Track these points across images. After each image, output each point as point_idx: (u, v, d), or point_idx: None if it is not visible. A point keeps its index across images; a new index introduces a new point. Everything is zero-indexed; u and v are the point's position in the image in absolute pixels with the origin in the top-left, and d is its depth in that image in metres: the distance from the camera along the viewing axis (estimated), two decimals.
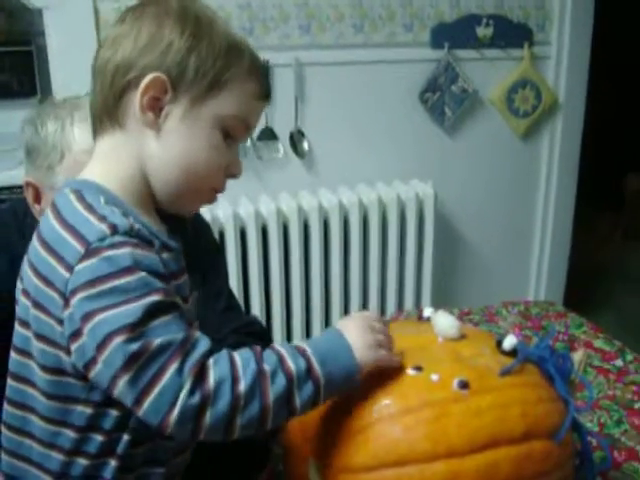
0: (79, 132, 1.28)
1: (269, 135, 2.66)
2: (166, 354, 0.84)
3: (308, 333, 2.79)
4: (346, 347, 0.94)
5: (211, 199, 1.03)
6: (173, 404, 0.83)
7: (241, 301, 2.49)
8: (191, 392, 0.84)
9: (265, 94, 1.03)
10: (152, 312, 0.85)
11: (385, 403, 0.97)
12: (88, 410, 0.93)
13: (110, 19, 2.39)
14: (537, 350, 1.10)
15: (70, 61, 2.38)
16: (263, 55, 2.50)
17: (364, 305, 2.85)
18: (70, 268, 0.87)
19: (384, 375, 0.99)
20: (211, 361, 0.86)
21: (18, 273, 1.37)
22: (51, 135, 1.29)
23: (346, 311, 2.83)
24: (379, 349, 0.96)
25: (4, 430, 1.02)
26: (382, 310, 2.88)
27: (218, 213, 2.51)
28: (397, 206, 2.75)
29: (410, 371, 0.99)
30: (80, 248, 0.87)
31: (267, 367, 0.88)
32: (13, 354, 0.99)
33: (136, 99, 0.93)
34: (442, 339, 1.07)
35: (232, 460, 1.20)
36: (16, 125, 2.70)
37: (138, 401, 0.84)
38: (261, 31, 2.61)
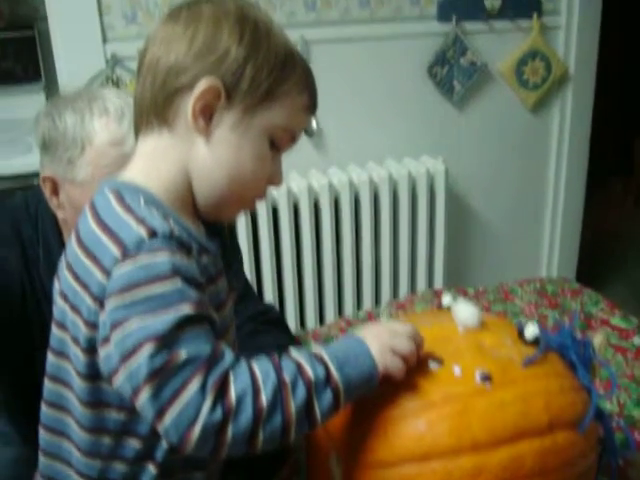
0: (100, 124, 1.26)
1: None
2: (191, 368, 0.82)
3: (321, 313, 2.79)
4: (364, 350, 0.92)
5: (251, 207, 1.02)
6: (194, 420, 0.82)
7: (253, 282, 2.49)
8: (213, 408, 0.82)
9: (314, 107, 1.01)
10: (182, 324, 0.83)
11: (408, 398, 0.96)
12: (122, 416, 0.92)
13: (113, 3, 2.36)
14: (558, 337, 1.09)
15: (73, 46, 2.36)
16: None
17: (376, 283, 2.84)
18: (107, 272, 0.86)
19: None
20: (232, 375, 0.84)
21: (31, 268, 1.38)
22: (70, 128, 1.27)
23: (359, 290, 2.83)
24: (395, 356, 0.94)
25: (42, 432, 1.02)
26: (394, 288, 2.87)
27: None
28: (408, 183, 2.72)
29: (432, 364, 0.98)
30: (117, 252, 0.86)
31: (287, 377, 0.86)
32: (50, 356, 0.99)
33: (188, 104, 0.92)
34: (463, 329, 1.06)
35: (250, 460, 1.20)
36: (21, 111, 2.73)
37: (159, 415, 0.82)
38: (267, 8, 2.56)
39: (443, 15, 2.78)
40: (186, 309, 0.84)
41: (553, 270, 3.25)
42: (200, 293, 0.87)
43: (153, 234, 0.86)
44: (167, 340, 0.82)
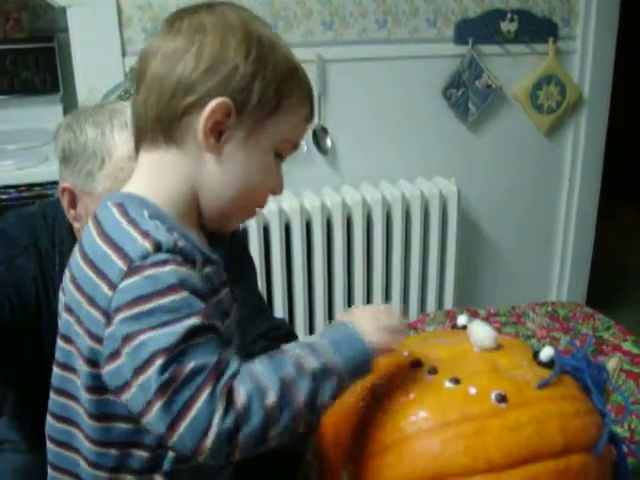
0: (120, 139, 1.27)
1: None
2: (200, 377, 0.83)
3: None
4: (354, 331, 0.94)
5: (253, 215, 1.03)
6: (207, 430, 0.82)
7: (264, 297, 2.49)
8: (224, 416, 0.82)
9: (312, 116, 1.02)
10: (190, 335, 0.84)
11: (422, 416, 0.96)
12: (129, 426, 0.92)
13: (133, 17, 2.39)
14: (573, 360, 1.08)
15: (93, 58, 2.39)
16: None
17: (386, 302, 2.84)
18: (113, 286, 0.86)
19: (420, 387, 0.98)
20: (238, 380, 0.85)
21: (47, 278, 1.38)
22: (91, 141, 1.28)
23: None
24: (386, 333, 0.97)
25: (50, 445, 1.02)
26: (404, 308, 2.86)
27: None
28: (420, 203, 2.73)
29: (447, 383, 0.98)
30: (123, 266, 0.86)
31: (290, 372, 0.87)
32: (56, 369, 0.99)
33: (199, 123, 0.91)
34: (478, 349, 1.06)
35: (264, 467, 1.20)
36: (38, 121, 2.75)
37: (172, 427, 0.82)
38: (284, 27, 2.59)
39: (459, 37, 2.80)
40: (194, 320, 0.84)
41: (563, 293, 3.25)
42: (204, 303, 0.87)
43: (158, 247, 0.86)
44: (176, 352, 0.82)
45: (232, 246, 1.53)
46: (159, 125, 0.93)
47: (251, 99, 0.92)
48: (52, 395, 1.00)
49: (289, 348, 0.91)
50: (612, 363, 1.16)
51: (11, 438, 1.58)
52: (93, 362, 0.91)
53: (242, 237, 1.64)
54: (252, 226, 2.51)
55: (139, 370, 0.83)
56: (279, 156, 0.99)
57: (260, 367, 0.87)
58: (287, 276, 2.65)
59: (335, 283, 2.72)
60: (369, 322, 0.96)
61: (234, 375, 0.85)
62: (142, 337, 0.83)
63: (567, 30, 2.95)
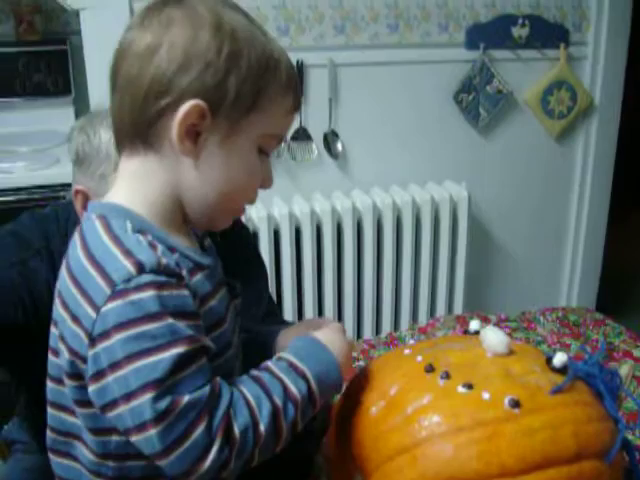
0: None
1: (303, 136, 2.65)
2: (195, 411, 0.83)
3: None
4: (335, 364, 0.97)
5: (242, 212, 1.02)
6: (202, 459, 0.83)
7: None
8: (222, 449, 0.84)
9: (298, 105, 0.98)
10: (179, 365, 0.83)
11: (435, 421, 0.96)
12: (124, 438, 0.89)
13: None
14: (586, 366, 1.08)
15: (105, 61, 2.38)
16: (298, 56, 2.53)
17: (396, 307, 2.84)
18: (96, 308, 0.84)
19: (433, 392, 0.98)
20: (232, 412, 0.86)
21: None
22: (105, 144, 1.28)
23: (378, 313, 2.83)
24: (350, 359, 1.02)
25: (51, 456, 1.01)
26: (414, 312, 2.87)
27: (252, 214, 2.51)
28: (431, 208, 2.73)
29: (461, 388, 0.98)
30: (106, 289, 0.84)
31: (278, 401, 0.89)
32: (50, 383, 0.98)
33: (173, 127, 0.88)
34: (491, 355, 1.06)
35: (274, 472, 1.20)
36: (49, 123, 2.76)
37: (165, 452, 0.83)
38: (296, 31, 2.60)
39: (471, 42, 2.80)
40: (180, 348, 0.83)
41: (573, 298, 3.24)
42: (192, 323, 0.86)
43: (141, 268, 0.84)
44: (167, 384, 0.82)
45: (240, 244, 1.54)
46: (135, 131, 0.90)
47: (227, 97, 0.88)
48: (49, 409, 0.99)
49: (276, 371, 0.92)
50: (624, 369, 1.16)
51: (23, 439, 1.58)
52: (74, 375, 0.90)
53: (250, 236, 1.64)
54: (263, 230, 2.52)
55: (130, 396, 0.83)
56: (264, 152, 0.96)
57: (251, 394, 0.88)
58: (297, 280, 2.65)
59: (345, 287, 2.73)
60: (343, 348, 0.99)
61: (229, 407, 0.86)
62: (129, 367, 0.82)
63: (579, 36, 2.95)
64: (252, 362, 1.12)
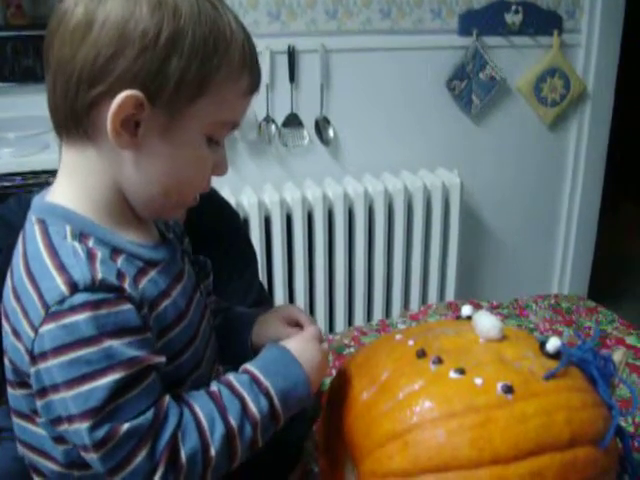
0: None
1: (294, 122, 2.64)
2: (135, 439, 0.79)
3: (331, 324, 2.78)
4: (303, 378, 0.92)
5: (194, 203, 0.93)
6: None
7: None
8: (165, 474, 0.80)
9: (256, 85, 0.89)
10: (117, 391, 0.78)
11: (427, 407, 0.94)
12: None
13: None
14: (580, 352, 1.07)
15: None
16: (289, 41, 2.51)
17: (387, 294, 2.83)
18: (34, 329, 0.79)
19: (425, 377, 0.97)
20: (179, 436, 0.81)
21: None
22: None
23: (369, 300, 2.82)
24: (324, 370, 0.97)
25: (31, 472, 0.97)
26: (405, 300, 2.86)
27: (243, 201, 2.49)
28: (423, 195, 2.72)
29: (453, 374, 0.96)
30: (41, 310, 0.79)
31: (233, 421, 0.85)
32: (8, 388, 0.92)
33: (107, 118, 0.79)
34: (484, 340, 1.04)
35: (263, 459, 1.19)
36: (39, 109, 2.71)
37: (109, 474, 0.80)
38: (287, 17, 2.58)
39: (464, 29, 2.79)
40: (117, 374, 0.78)
41: (565, 286, 3.25)
42: (136, 338, 0.81)
43: (74, 288, 0.77)
44: (106, 411, 0.78)
45: (234, 240, 1.52)
46: (72, 117, 0.82)
47: (167, 84, 0.79)
48: (14, 419, 0.95)
49: (236, 386, 0.88)
50: (617, 356, 1.14)
51: (11, 426, 1.57)
52: (22, 384, 0.87)
53: (239, 222, 1.63)
54: (253, 216, 2.51)
55: (71, 418, 0.80)
56: (215, 141, 0.88)
57: (203, 415, 0.84)
58: (288, 267, 2.64)
59: (336, 274, 2.72)
60: (316, 367, 0.95)
61: (175, 431, 0.81)
62: (68, 392, 0.79)
63: (572, 23, 2.94)
64: (227, 349, 1.10)
